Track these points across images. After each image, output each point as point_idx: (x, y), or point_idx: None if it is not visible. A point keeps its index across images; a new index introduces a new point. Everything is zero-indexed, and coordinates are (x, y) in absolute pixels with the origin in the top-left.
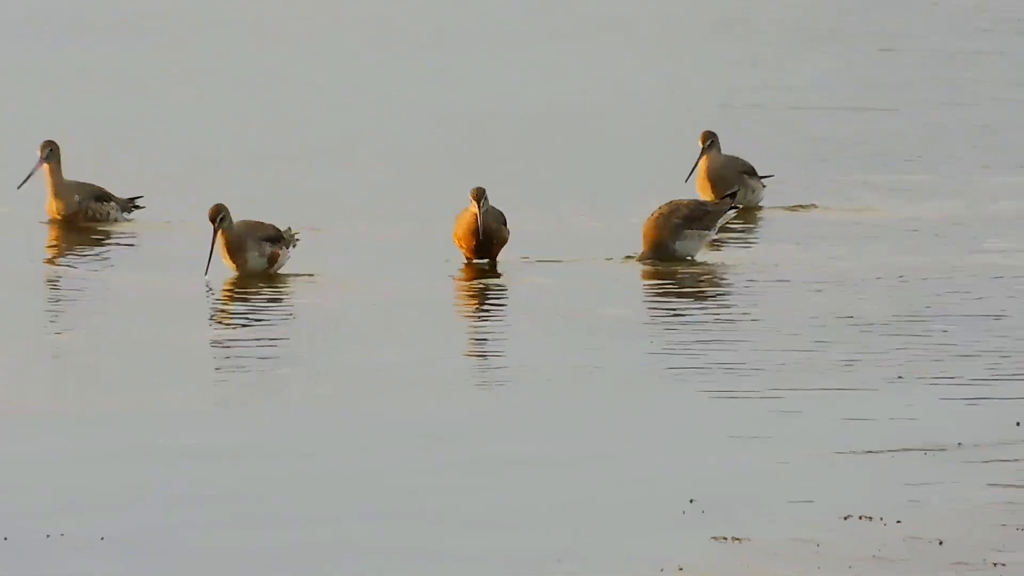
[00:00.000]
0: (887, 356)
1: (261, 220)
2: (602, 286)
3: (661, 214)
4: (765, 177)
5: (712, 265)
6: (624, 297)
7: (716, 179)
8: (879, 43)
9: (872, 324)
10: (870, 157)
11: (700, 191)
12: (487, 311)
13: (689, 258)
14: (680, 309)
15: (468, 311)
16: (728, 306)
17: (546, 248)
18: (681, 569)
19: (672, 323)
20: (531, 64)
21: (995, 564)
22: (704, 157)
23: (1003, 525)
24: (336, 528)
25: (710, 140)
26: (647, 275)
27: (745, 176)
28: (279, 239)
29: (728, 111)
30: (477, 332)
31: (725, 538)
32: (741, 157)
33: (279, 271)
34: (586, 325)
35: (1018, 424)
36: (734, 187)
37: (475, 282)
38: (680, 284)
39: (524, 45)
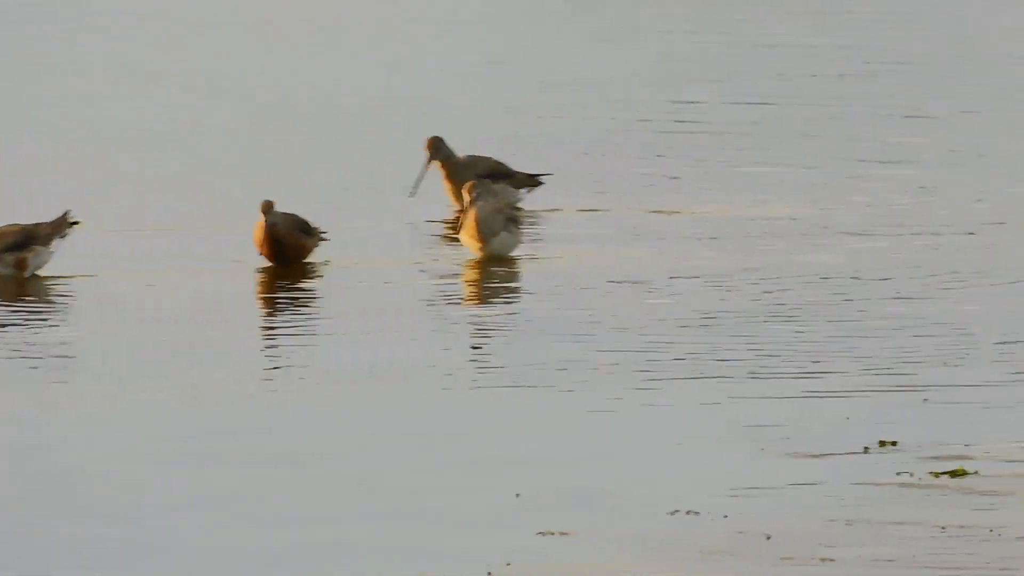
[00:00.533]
0: (728, 354)
1: (10, 225)
2: (451, 286)
3: (497, 210)
4: (543, 175)
5: (560, 265)
6: (476, 298)
7: (458, 182)
8: (736, 40)
9: (718, 322)
10: (721, 160)
11: (449, 195)
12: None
13: (509, 256)
14: (531, 309)
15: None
16: (579, 305)
17: (386, 249)
18: (509, 564)
19: (520, 322)
20: (373, 57)
21: (822, 559)
22: (438, 163)
23: (831, 520)
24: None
25: (436, 147)
26: (500, 277)
27: (487, 180)
28: (25, 243)
29: (566, 108)
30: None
31: (552, 532)
32: (492, 158)
33: (37, 272)
34: (448, 326)
35: (848, 419)
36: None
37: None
38: (536, 284)
39: (369, 36)
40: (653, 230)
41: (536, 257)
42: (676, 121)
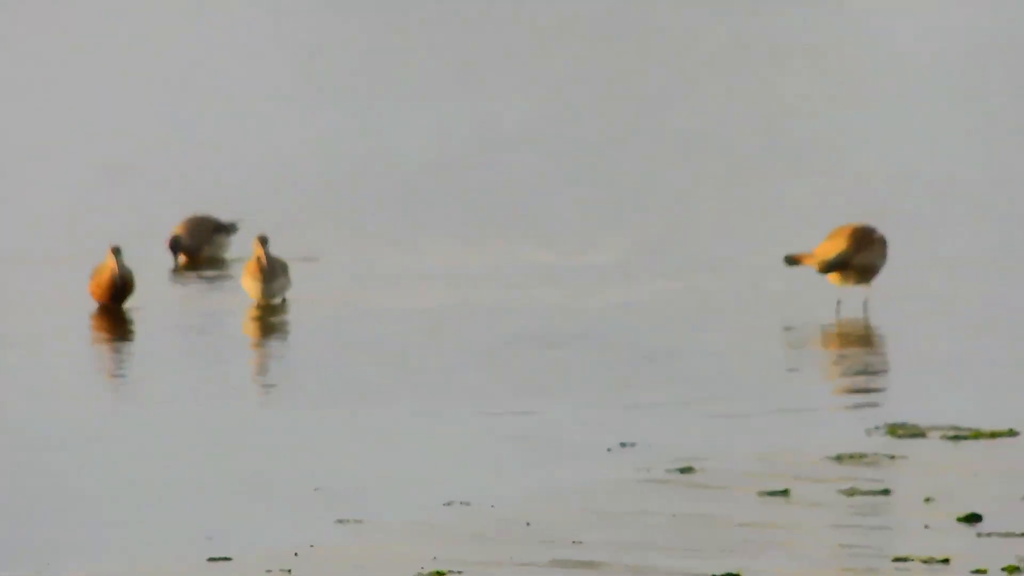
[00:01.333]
0: (500, 375)
1: None
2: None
3: (275, 258)
4: (231, 230)
5: (327, 306)
6: (288, 332)
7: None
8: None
9: (490, 349)
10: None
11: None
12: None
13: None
14: (315, 341)
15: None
16: (362, 337)
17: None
18: (312, 546)
19: (309, 352)
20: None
21: (574, 542)
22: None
23: (582, 509)
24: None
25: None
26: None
27: (214, 234)
28: None
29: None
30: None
31: (348, 520)
32: (211, 216)
33: None
34: (273, 357)
35: (586, 425)
36: (202, 246)
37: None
38: (314, 321)
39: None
40: (423, 273)
41: (300, 299)
42: (424, 178)
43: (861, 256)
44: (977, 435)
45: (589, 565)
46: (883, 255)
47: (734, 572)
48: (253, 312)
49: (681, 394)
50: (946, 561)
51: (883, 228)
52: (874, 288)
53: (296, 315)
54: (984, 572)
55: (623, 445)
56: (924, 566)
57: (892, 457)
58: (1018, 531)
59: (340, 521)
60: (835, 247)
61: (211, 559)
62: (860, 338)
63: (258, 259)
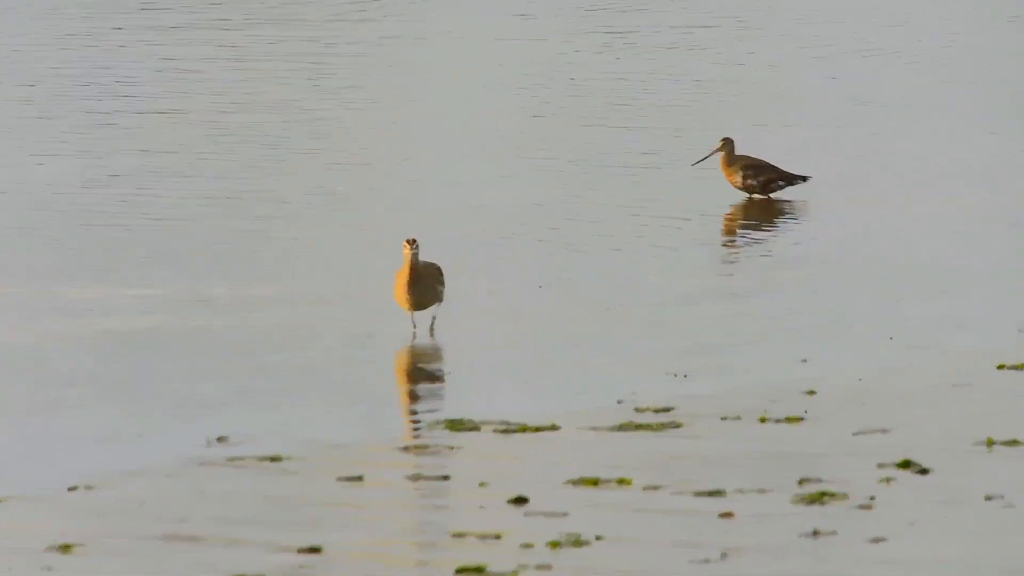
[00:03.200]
0: (128, 383)
1: None
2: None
3: None
4: None
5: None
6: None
7: None
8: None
9: (93, 366)
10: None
11: None
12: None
13: None
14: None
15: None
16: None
17: None
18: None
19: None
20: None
21: (181, 519)
22: None
23: (188, 491)
24: None
25: None
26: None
27: None
28: None
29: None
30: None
31: (77, 487)
32: None
33: None
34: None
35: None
36: None
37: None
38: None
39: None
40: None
41: None
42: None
43: (421, 287)
44: (524, 429)
45: (193, 538)
46: (439, 284)
47: (317, 545)
48: None
49: (273, 395)
50: (498, 537)
51: (445, 259)
52: (439, 308)
53: None
54: (531, 546)
55: (219, 439)
56: (479, 541)
57: (451, 448)
58: (560, 511)
59: (71, 488)
60: (401, 283)
61: None
62: (426, 351)
63: None
